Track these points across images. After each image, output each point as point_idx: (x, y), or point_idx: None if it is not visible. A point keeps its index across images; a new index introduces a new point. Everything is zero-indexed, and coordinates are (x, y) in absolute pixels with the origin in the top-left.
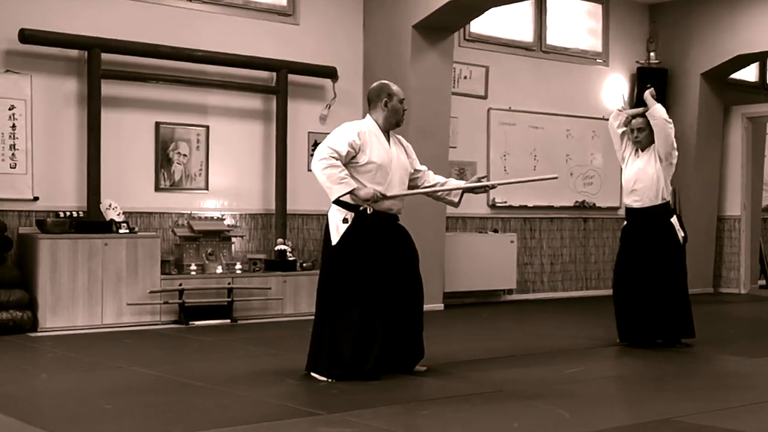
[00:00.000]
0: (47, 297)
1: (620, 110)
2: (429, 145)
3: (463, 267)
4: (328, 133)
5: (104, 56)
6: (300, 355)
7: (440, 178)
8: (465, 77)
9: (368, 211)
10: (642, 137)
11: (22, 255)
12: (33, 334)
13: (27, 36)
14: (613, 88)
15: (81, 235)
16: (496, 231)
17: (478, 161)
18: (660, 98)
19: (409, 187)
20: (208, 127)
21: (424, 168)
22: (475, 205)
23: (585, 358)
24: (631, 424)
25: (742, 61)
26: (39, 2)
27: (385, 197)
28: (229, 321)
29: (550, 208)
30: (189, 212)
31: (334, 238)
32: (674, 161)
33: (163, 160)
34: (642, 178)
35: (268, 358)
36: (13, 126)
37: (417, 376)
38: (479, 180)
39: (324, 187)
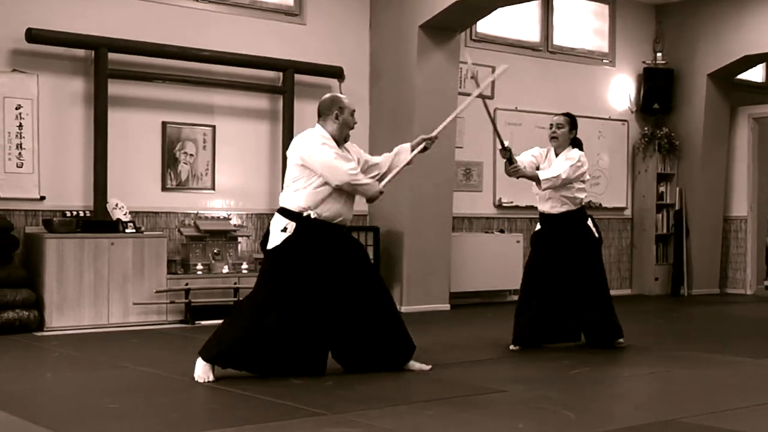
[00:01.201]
0: (53, 296)
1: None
2: (435, 146)
3: (469, 267)
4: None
5: (111, 56)
6: None
7: (389, 156)
8: (472, 77)
9: (312, 216)
10: (559, 134)
11: (28, 254)
12: (39, 334)
13: (34, 35)
14: (618, 90)
15: (87, 235)
16: (502, 231)
17: (484, 161)
18: (666, 99)
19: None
20: (214, 127)
21: (376, 159)
22: (482, 206)
23: (590, 359)
24: (637, 425)
25: (749, 61)
26: (46, 2)
27: (381, 193)
28: None
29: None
30: (195, 212)
31: (271, 244)
32: (584, 180)
33: (169, 159)
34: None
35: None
36: (20, 125)
37: (420, 375)
38: (420, 142)
39: (361, 189)
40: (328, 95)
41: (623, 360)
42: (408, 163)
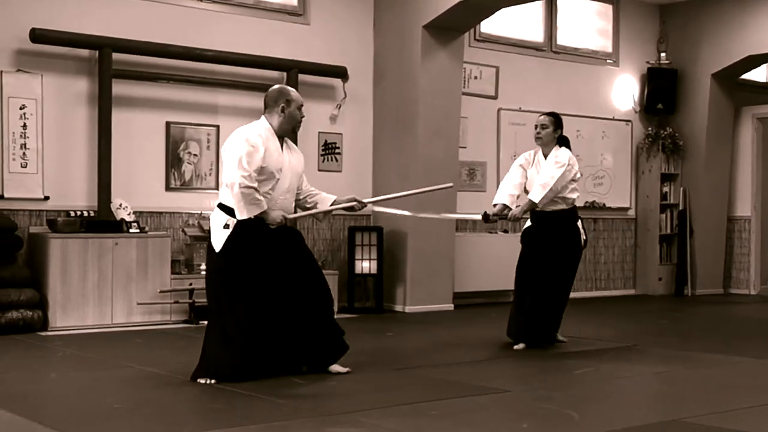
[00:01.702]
0: (57, 296)
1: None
2: (439, 146)
3: (472, 267)
4: (339, 134)
5: (115, 56)
6: None
7: (316, 194)
8: (475, 77)
9: (252, 216)
10: (543, 135)
11: (32, 254)
12: (43, 333)
13: (38, 35)
14: (622, 90)
15: (91, 235)
16: (506, 231)
17: (488, 161)
18: (670, 99)
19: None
20: (218, 127)
21: (305, 186)
22: (485, 206)
23: (594, 359)
24: (640, 425)
25: (753, 61)
26: (50, 2)
27: (287, 220)
28: None
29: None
30: (199, 212)
31: (217, 245)
32: (576, 182)
33: (173, 159)
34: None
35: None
36: (24, 125)
37: (423, 375)
38: (351, 200)
39: (238, 204)
40: (275, 87)
41: (627, 360)
42: (325, 213)
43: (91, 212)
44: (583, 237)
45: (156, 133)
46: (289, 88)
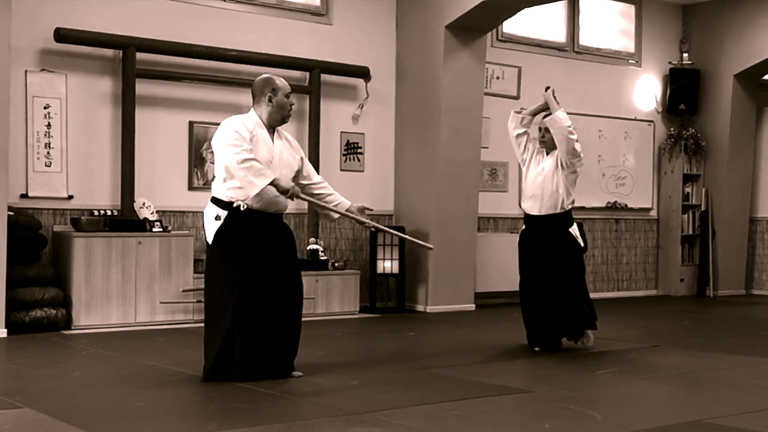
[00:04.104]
0: (81, 295)
1: (517, 112)
2: (461, 146)
3: (494, 267)
4: (361, 134)
5: (139, 55)
6: (331, 354)
7: (331, 193)
8: (497, 77)
9: (241, 208)
10: (548, 138)
11: (56, 253)
12: (67, 332)
13: (62, 35)
14: (645, 91)
15: (115, 234)
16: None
17: (509, 162)
18: (692, 99)
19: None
20: None
21: (317, 178)
22: (507, 206)
23: (617, 360)
24: (663, 426)
25: None
26: (74, 2)
27: (298, 195)
28: None
29: (582, 208)
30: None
31: (210, 237)
32: (578, 169)
33: (196, 159)
34: (541, 185)
35: (299, 356)
36: (49, 125)
37: (445, 375)
38: (362, 210)
39: (244, 181)
40: (261, 76)
41: (649, 361)
42: (337, 213)
43: (114, 211)
44: (581, 243)
45: (179, 133)
46: (275, 76)
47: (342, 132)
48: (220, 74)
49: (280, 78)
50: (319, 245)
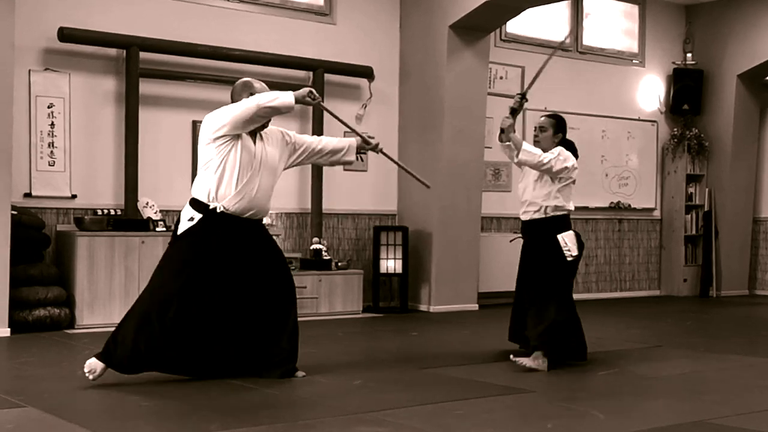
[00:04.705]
0: (84, 294)
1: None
2: (464, 146)
3: (497, 267)
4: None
5: (142, 55)
6: (334, 353)
7: (332, 142)
8: (501, 77)
9: (218, 210)
10: (541, 138)
11: (59, 252)
12: (70, 331)
13: (66, 35)
14: (648, 91)
15: (118, 233)
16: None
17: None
18: (696, 99)
19: (314, 160)
20: None
21: (314, 140)
22: (510, 206)
23: (619, 360)
24: (665, 426)
25: None
26: (78, 1)
27: (316, 100)
28: None
29: (585, 208)
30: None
31: (178, 231)
32: (572, 175)
33: None
34: (531, 191)
35: (302, 356)
36: (52, 124)
37: (449, 375)
38: (369, 139)
39: (269, 106)
40: (240, 80)
41: (652, 361)
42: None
43: (117, 210)
44: (569, 251)
45: (183, 133)
46: (254, 79)
47: (345, 132)
48: (223, 74)
49: (259, 81)
50: (322, 245)
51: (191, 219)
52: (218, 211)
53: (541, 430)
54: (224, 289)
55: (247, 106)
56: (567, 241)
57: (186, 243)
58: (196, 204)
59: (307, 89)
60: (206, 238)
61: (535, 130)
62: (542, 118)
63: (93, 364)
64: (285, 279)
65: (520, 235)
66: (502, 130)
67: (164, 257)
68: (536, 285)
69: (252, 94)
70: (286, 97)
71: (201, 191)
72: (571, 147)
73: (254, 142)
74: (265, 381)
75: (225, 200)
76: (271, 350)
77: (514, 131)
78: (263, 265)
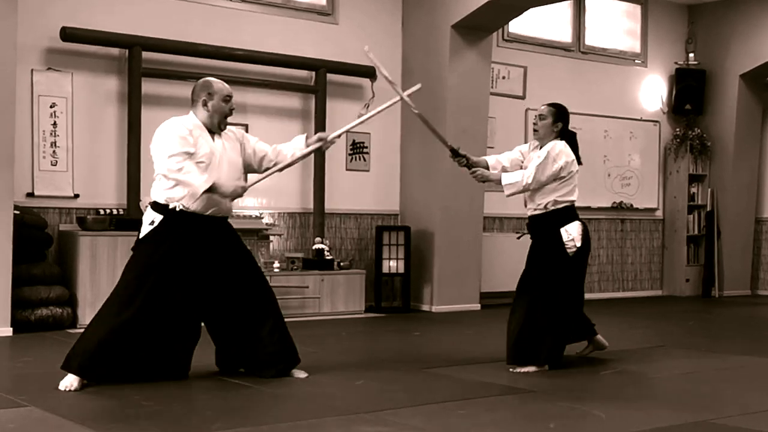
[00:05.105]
0: (86, 294)
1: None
2: (466, 145)
3: (500, 267)
4: (367, 133)
5: (145, 54)
6: (336, 353)
7: (287, 148)
8: (503, 77)
9: (177, 209)
10: (540, 127)
11: (62, 252)
12: (72, 331)
13: (68, 34)
14: (650, 91)
15: (121, 233)
16: (524, 233)
17: None
18: (698, 100)
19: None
20: (247, 126)
21: (269, 149)
22: (512, 206)
23: (621, 360)
24: (668, 426)
25: None
26: (81, 1)
27: (244, 189)
28: None
29: (588, 208)
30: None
31: (141, 236)
32: (564, 175)
33: None
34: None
35: (304, 356)
36: (54, 124)
37: (451, 375)
38: (319, 140)
39: (184, 184)
40: (201, 79)
41: (654, 361)
42: (291, 163)
43: (120, 210)
44: (572, 242)
45: None
46: (214, 80)
47: (348, 132)
48: (226, 73)
49: (221, 82)
50: (325, 245)
51: (152, 222)
52: (178, 210)
53: (543, 430)
54: (192, 290)
55: (165, 163)
56: (570, 231)
57: (148, 247)
58: (156, 206)
59: (240, 188)
60: (168, 239)
61: (534, 119)
62: (542, 107)
63: (67, 381)
64: (256, 277)
65: (526, 231)
66: (466, 164)
67: (128, 264)
68: (535, 284)
69: (210, 94)
70: (194, 186)
71: (159, 193)
72: (571, 139)
73: (213, 139)
74: (267, 381)
75: (185, 199)
76: (255, 350)
77: (485, 170)
78: (231, 263)
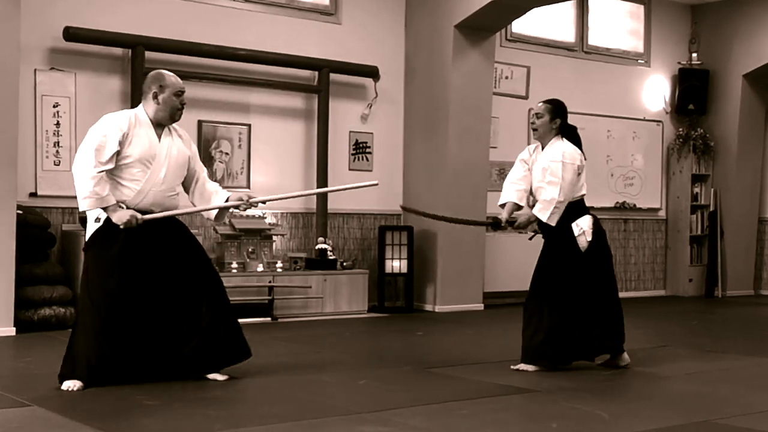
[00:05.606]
0: None
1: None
2: (469, 145)
3: (503, 267)
4: (370, 133)
5: (148, 54)
6: (339, 353)
7: (212, 187)
8: (506, 77)
9: (121, 206)
10: (538, 125)
11: (65, 252)
12: None
13: (71, 34)
14: (653, 91)
15: None
16: (536, 232)
17: None
18: (701, 99)
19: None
20: (250, 126)
21: (204, 175)
22: None
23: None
24: (671, 426)
25: None
26: (84, 1)
27: (137, 220)
28: (269, 319)
29: (591, 208)
30: (231, 211)
31: (87, 238)
32: (575, 179)
33: (205, 158)
34: (539, 180)
35: (307, 356)
36: (58, 123)
37: (453, 375)
38: (240, 199)
39: (78, 191)
40: (153, 71)
41: (657, 361)
42: (202, 210)
43: None
44: (583, 236)
45: (188, 132)
46: (167, 72)
47: (351, 131)
48: (229, 73)
49: (174, 75)
50: (328, 245)
51: (98, 219)
52: (120, 206)
53: (546, 430)
54: (140, 287)
55: (77, 160)
56: (581, 225)
57: (102, 245)
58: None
59: (129, 217)
60: (117, 237)
61: (531, 118)
62: (539, 104)
63: (69, 381)
64: (205, 271)
65: (537, 231)
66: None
67: (86, 268)
68: (548, 282)
69: (162, 87)
70: (79, 198)
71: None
72: (573, 135)
73: (159, 137)
74: (268, 381)
75: (128, 197)
76: (204, 345)
77: (518, 208)
78: (179, 258)
